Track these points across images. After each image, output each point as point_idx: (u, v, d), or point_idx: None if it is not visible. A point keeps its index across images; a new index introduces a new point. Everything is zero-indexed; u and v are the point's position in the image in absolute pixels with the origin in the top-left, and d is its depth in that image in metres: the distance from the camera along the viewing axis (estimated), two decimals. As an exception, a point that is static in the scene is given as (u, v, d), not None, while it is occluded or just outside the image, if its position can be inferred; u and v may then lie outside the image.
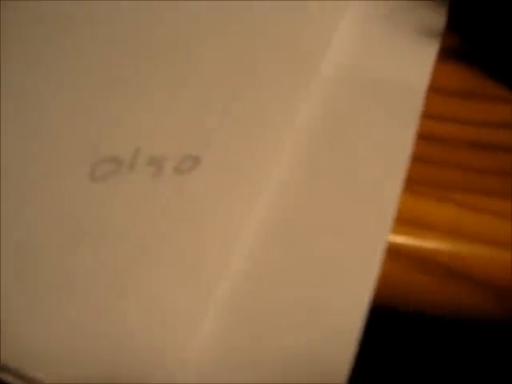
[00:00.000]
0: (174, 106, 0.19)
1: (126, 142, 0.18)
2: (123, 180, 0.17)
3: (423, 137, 0.19)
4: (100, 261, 0.16)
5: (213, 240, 0.16)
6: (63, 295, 0.15)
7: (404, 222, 0.17)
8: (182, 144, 0.18)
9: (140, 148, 0.18)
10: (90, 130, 0.18)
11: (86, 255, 0.16)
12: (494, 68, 0.21)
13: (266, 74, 0.20)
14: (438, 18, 0.23)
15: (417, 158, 0.18)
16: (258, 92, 0.19)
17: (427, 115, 0.20)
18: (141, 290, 0.15)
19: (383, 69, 0.21)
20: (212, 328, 0.15)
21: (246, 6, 0.22)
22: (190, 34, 0.21)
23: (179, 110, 0.19)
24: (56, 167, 0.17)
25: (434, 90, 0.21)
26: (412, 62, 0.21)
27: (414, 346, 0.20)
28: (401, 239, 0.17)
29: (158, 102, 0.19)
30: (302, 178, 0.18)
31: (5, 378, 0.15)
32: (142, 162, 0.17)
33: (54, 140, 0.18)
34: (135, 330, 0.15)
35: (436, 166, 0.19)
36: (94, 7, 0.21)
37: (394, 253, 0.17)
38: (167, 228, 0.16)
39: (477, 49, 0.22)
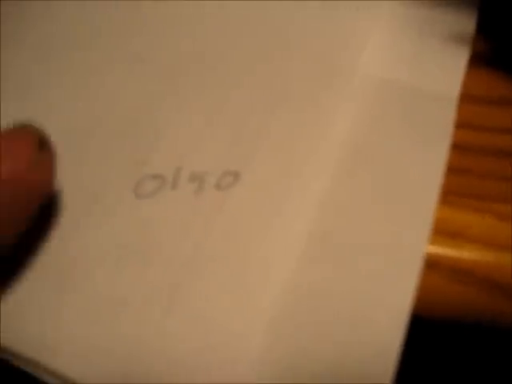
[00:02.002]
0: (214, 123, 0.19)
1: (168, 160, 0.18)
2: (166, 197, 0.18)
3: (457, 147, 0.19)
4: (146, 279, 0.16)
5: (255, 256, 0.17)
6: (112, 312, 0.16)
7: (442, 233, 0.17)
8: (221, 160, 0.18)
9: (182, 165, 0.18)
10: (134, 148, 0.19)
11: (133, 272, 0.17)
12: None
13: (300, 89, 0.20)
14: (467, 24, 0.23)
15: (452, 169, 0.19)
16: (293, 107, 0.20)
17: (460, 124, 0.20)
18: (187, 308, 0.16)
19: (415, 79, 0.21)
20: (259, 342, 0.15)
21: (279, 19, 0.22)
22: (227, 51, 0.21)
23: (218, 128, 0.19)
24: (103, 184, 0.18)
25: (466, 97, 0.21)
26: (443, 71, 0.21)
27: (453, 356, 0.20)
28: (438, 250, 0.17)
29: (198, 120, 0.19)
30: (340, 192, 0.18)
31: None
32: (184, 179, 0.18)
33: (100, 158, 0.19)
34: (184, 349, 0.15)
35: (472, 176, 0.19)
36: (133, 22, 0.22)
37: (432, 264, 0.17)
38: (210, 244, 0.17)
39: (507, 54, 0.22)
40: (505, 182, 0.19)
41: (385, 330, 0.16)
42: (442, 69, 0.21)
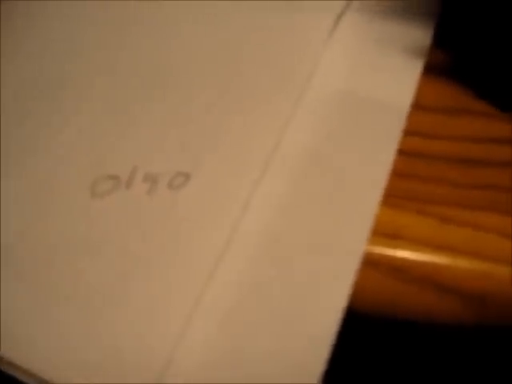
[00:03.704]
0: (168, 126, 0.20)
1: (124, 160, 0.19)
2: (121, 196, 0.19)
3: (404, 153, 0.20)
4: (98, 272, 0.17)
5: (200, 252, 0.17)
6: (64, 304, 0.17)
7: (382, 233, 0.18)
8: (174, 162, 0.19)
9: (137, 166, 0.19)
10: (91, 148, 0.20)
11: (87, 267, 0.17)
12: (477, 84, 0.22)
13: (254, 94, 0.21)
14: (424, 36, 0.24)
15: (397, 174, 0.19)
16: (246, 111, 0.20)
17: (409, 132, 0.21)
18: (132, 300, 0.17)
19: (368, 88, 0.22)
20: (198, 333, 0.16)
21: (238, 26, 0.23)
22: (184, 57, 0.22)
23: (172, 130, 0.20)
24: (59, 183, 0.19)
25: (418, 107, 0.22)
26: (396, 81, 0.22)
27: (389, 351, 0.20)
28: (378, 249, 0.18)
29: (154, 123, 0.20)
30: (287, 193, 0.19)
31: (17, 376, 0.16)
32: (138, 180, 0.19)
33: (58, 158, 0.20)
34: (124, 337, 0.16)
35: (417, 180, 0.20)
36: (99, 33, 0.23)
37: (370, 262, 0.18)
38: (159, 240, 0.18)
39: (461, 65, 0.23)
40: (447, 186, 0.19)
41: (319, 324, 0.16)
42: (395, 80, 0.22)
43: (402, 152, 0.20)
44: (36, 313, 0.17)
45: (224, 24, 0.23)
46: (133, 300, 0.17)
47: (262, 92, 0.21)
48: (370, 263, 0.18)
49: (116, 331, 0.16)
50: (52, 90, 0.21)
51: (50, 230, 0.18)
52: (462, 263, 0.18)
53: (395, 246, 0.18)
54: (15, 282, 0.17)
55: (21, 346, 0.16)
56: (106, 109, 0.21)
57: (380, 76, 0.22)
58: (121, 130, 0.20)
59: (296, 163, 0.19)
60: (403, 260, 0.18)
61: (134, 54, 0.22)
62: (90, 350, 0.16)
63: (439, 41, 0.23)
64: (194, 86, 0.21)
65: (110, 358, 0.16)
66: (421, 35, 0.24)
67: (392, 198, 0.19)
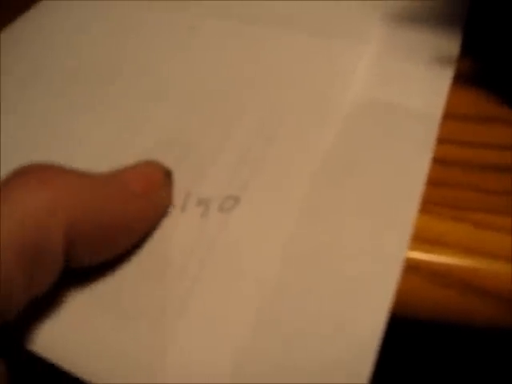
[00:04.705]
0: (217, 153, 0.22)
1: (179, 187, 0.21)
2: (177, 220, 0.20)
3: (439, 161, 0.21)
4: (159, 295, 0.19)
5: (253, 268, 0.19)
6: (125, 322, 0.19)
7: (421, 239, 0.19)
8: (224, 186, 0.21)
9: (190, 192, 0.21)
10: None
11: (145, 287, 0.19)
12: (505, 91, 0.23)
13: (295, 118, 0.22)
14: (452, 46, 0.25)
15: (433, 182, 0.21)
16: (284, 135, 0.22)
17: (442, 140, 0.22)
18: (192, 321, 0.18)
19: (400, 98, 0.23)
20: (246, 337, 0.18)
21: (269, 47, 0.24)
22: (226, 82, 0.24)
23: (217, 158, 0.22)
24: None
25: (450, 115, 0.23)
26: (428, 90, 0.23)
27: (433, 356, 0.21)
28: (418, 255, 0.19)
29: (205, 152, 0.22)
30: (330, 206, 0.20)
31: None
32: (192, 204, 0.21)
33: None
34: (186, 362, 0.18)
35: (451, 188, 0.21)
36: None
37: (412, 268, 0.19)
38: (213, 261, 0.19)
39: (490, 73, 0.23)
40: (481, 193, 0.20)
41: (364, 330, 0.17)
42: (426, 88, 0.23)
43: (435, 160, 0.21)
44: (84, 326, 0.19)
45: (256, 48, 0.25)
46: (193, 323, 0.18)
47: (300, 113, 0.23)
48: (411, 268, 0.19)
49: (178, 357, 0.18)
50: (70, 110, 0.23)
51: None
52: (499, 267, 0.19)
53: (434, 252, 0.19)
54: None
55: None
56: (153, 137, 0.23)
57: (411, 85, 0.23)
58: (174, 159, 0.22)
59: (337, 177, 0.21)
60: (442, 265, 0.19)
61: (168, 80, 0.24)
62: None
63: (467, 49, 0.24)
64: (234, 112, 0.23)
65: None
66: (449, 43, 0.25)
67: (428, 204, 0.20)
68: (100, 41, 0.28)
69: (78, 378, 0.18)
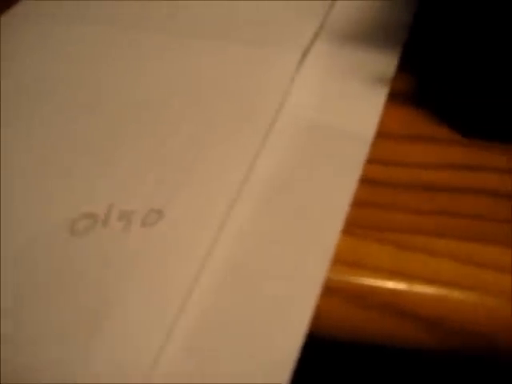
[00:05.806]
0: (142, 164, 0.21)
1: (101, 198, 0.21)
2: (98, 234, 0.20)
3: (367, 181, 0.21)
4: (78, 305, 0.18)
5: (173, 281, 0.19)
6: (50, 334, 0.18)
7: (342, 261, 0.19)
8: (147, 199, 0.20)
9: (113, 204, 0.21)
10: (71, 187, 0.21)
11: (67, 302, 0.19)
12: (438, 110, 0.23)
13: (226, 129, 0.22)
14: (388, 65, 0.25)
15: (360, 202, 0.20)
16: (217, 147, 0.22)
17: (373, 160, 0.22)
18: (113, 328, 0.18)
19: (334, 118, 0.23)
20: (173, 353, 0.17)
21: (204, 60, 0.24)
22: (156, 94, 0.24)
23: (146, 169, 0.21)
24: (41, 222, 0.20)
25: (383, 134, 0.23)
26: (361, 110, 0.23)
27: (351, 377, 0.21)
28: (338, 277, 0.19)
29: (129, 161, 0.22)
30: (253, 223, 0.20)
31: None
32: (114, 218, 0.20)
33: (41, 196, 0.21)
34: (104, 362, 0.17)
35: (379, 208, 0.21)
36: (74, 71, 0.25)
37: (331, 290, 0.19)
38: (134, 274, 0.19)
39: (423, 92, 0.24)
40: (406, 213, 0.20)
41: (281, 350, 0.17)
42: (360, 108, 0.23)
43: (365, 180, 0.21)
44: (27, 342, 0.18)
45: (193, 60, 0.24)
46: (109, 329, 0.18)
47: (233, 125, 0.22)
48: (331, 290, 0.19)
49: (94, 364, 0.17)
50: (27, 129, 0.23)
51: (34, 268, 0.19)
52: (418, 288, 0.19)
53: (355, 274, 0.19)
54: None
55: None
56: (84, 147, 0.22)
57: (346, 105, 0.23)
58: (95, 169, 0.22)
59: (263, 194, 0.21)
60: (362, 286, 0.19)
61: (106, 91, 0.24)
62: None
63: (403, 68, 0.24)
64: (167, 122, 0.23)
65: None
66: (386, 63, 0.25)
67: (352, 226, 0.20)
68: (38, 55, 0.27)
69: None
